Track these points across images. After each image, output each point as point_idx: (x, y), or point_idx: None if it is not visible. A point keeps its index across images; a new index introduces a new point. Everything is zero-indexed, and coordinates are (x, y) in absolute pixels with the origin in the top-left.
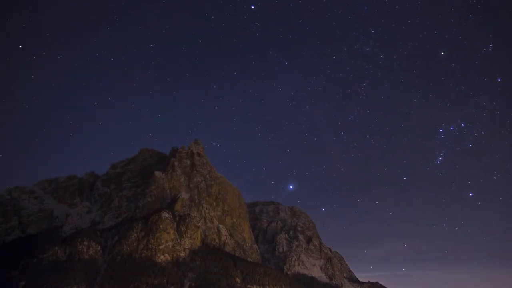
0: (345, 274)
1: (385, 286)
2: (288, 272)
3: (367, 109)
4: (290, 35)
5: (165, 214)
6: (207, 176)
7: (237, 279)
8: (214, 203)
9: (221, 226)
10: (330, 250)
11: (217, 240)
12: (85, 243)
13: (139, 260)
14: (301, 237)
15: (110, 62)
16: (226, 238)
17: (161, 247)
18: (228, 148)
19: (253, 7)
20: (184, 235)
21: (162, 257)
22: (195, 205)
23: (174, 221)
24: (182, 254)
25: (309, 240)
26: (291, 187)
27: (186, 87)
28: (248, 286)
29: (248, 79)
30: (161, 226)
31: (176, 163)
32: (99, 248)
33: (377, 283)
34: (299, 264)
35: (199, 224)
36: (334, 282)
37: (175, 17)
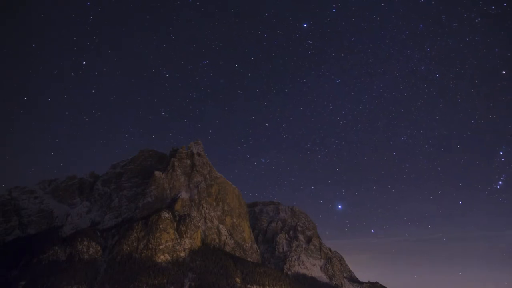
0: (345, 274)
1: (385, 286)
2: (288, 272)
3: (420, 129)
4: (342, 53)
5: (165, 214)
6: (207, 176)
7: (237, 279)
8: (214, 203)
9: (221, 226)
10: (330, 250)
11: (217, 240)
12: (85, 243)
13: (139, 260)
14: (301, 237)
15: (165, 78)
16: (226, 238)
17: (161, 247)
18: (277, 165)
19: (305, 25)
20: (184, 235)
21: (162, 257)
22: (195, 205)
23: (174, 221)
24: (182, 254)
25: (309, 240)
26: (339, 206)
27: (238, 103)
28: (248, 286)
29: (299, 96)
30: (161, 226)
31: (176, 163)
32: (99, 248)
33: (377, 283)
34: (299, 264)
35: (199, 224)
36: (334, 282)
37: (227, 35)
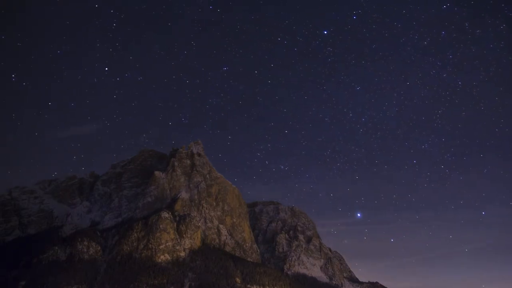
0: (345, 274)
1: (385, 286)
2: (288, 272)
3: (442, 138)
4: (362, 60)
5: (165, 214)
6: (207, 176)
7: (237, 279)
8: (214, 203)
9: (221, 226)
10: (330, 250)
11: (217, 240)
12: (85, 243)
13: (139, 260)
14: (301, 237)
15: (186, 84)
16: (226, 238)
17: (161, 247)
18: (295, 172)
19: (325, 32)
20: (184, 235)
21: (162, 257)
22: (195, 205)
23: (174, 221)
24: (182, 254)
25: (309, 240)
26: (359, 215)
27: (257, 110)
28: (248, 286)
29: (319, 103)
30: (161, 226)
31: (176, 163)
32: (99, 248)
33: (377, 283)
34: (299, 264)
35: (199, 224)
36: (334, 282)
37: (248, 42)
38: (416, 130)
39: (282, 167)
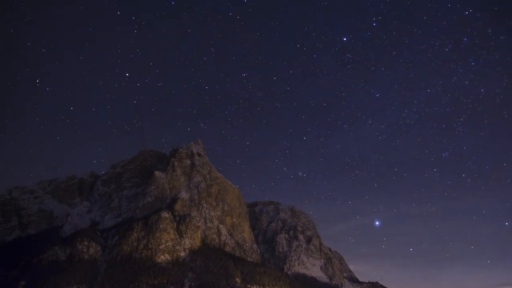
0: (345, 274)
1: (385, 286)
2: (288, 272)
3: (463, 146)
4: (382, 67)
5: (165, 214)
6: (207, 176)
7: (237, 279)
8: (214, 203)
9: (221, 226)
10: (330, 250)
11: (217, 240)
12: (85, 243)
13: (139, 260)
14: (301, 237)
15: (205, 90)
16: (226, 238)
17: (161, 247)
18: (313, 179)
19: (345, 38)
20: (184, 235)
21: (162, 257)
22: (195, 205)
23: (174, 221)
24: (182, 254)
25: (309, 240)
26: (377, 223)
27: (275, 116)
28: (248, 286)
29: (338, 110)
30: (161, 226)
31: (176, 163)
32: (99, 248)
33: (377, 283)
34: (299, 264)
35: (199, 224)
36: (334, 282)
37: (267, 49)
38: (437, 138)
39: (300, 173)
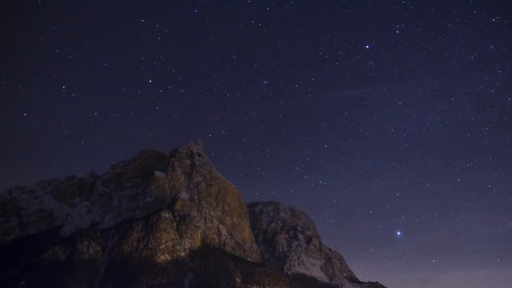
0: (345, 274)
1: (385, 286)
2: (288, 272)
3: (489, 156)
4: (405, 74)
5: (165, 214)
6: (207, 176)
7: (237, 279)
8: (214, 203)
9: (221, 226)
10: (330, 250)
11: (217, 240)
12: (85, 243)
13: (139, 260)
14: (301, 237)
15: (226, 97)
16: (226, 238)
17: (161, 247)
18: (334, 188)
19: (367, 46)
20: (184, 235)
21: (162, 257)
22: (195, 205)
23: (174, 221)
24: (182, 254)
25: (309, 240)
26: (399, 233)
27: (296, 124)
28: (248, 286)
29: (359, 118)
30: (161, 226)
31: (176, 163)
32: (99, 248)
33: (377, 283)
34: (299, 264)
35: (199, 224)
36: (334, 282)
37: (289, 56)
38: (461, 148)
39: (321, 181)
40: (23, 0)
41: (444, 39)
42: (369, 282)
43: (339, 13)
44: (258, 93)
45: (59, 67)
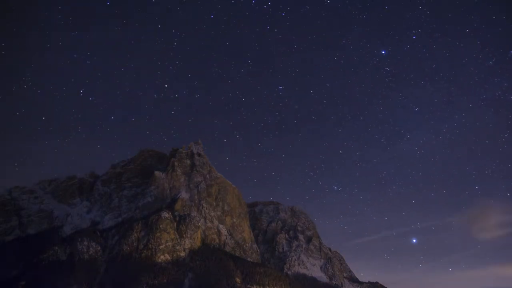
0: (345, 274)
1: (385, 286)
2: (288, 272)
3: (508, 163)
4: (422, 80)
5: (165, 214)
6: (207, 176)
7: (237, 279)
8: (214, 203)
9: (221, 226)
10: (330, 250)
11: (217, 240)
12: (85, 243)
13: (139, 260)
14: (301, 237)
15: (241, 102)
16: (226, 238)
17: (161, 247)
18: (349, 194)
19: (383, 52)
20: (184, 235)
21: (162, 257)
22: (195, 205)
23: (174, 221)
24: (182, 254)
25: (309, 240)
26: (414, 240)
27: (311, 129)
28: (248, 286)
29: (375, 124)
30: (161, 226)
31: (176, 163)
32: (99, 248)
33: (377, 283)
34: (299, 264)
35: (199, 224)
36: (334, 282)
37: (304, 62)
38: (479, 155)
39: (335, 187)
40: (47, 7)
41: (461, 45)
42: (369, 282)
43: (355, 18)
44: (273, 98)
45: (76, 72)
